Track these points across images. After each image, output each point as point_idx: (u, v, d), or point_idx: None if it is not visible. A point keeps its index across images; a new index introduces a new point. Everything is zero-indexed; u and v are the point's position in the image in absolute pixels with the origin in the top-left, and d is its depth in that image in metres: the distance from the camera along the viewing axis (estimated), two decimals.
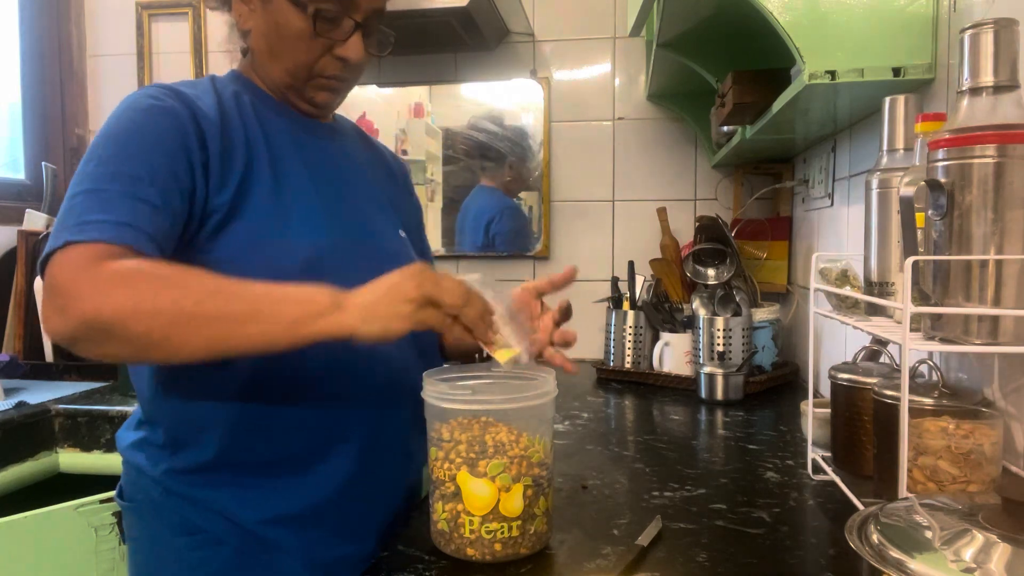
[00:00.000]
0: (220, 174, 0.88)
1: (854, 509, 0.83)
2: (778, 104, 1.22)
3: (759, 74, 1.35)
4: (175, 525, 0.91)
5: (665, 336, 1.86)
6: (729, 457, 1.23)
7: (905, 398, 0.70)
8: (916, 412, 0.76)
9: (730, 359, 1.71)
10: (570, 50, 2.24)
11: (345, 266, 0.89)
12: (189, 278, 0.76)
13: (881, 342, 1.07)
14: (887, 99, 0.92)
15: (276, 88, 0.99)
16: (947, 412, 0.77)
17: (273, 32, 0.94)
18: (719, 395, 1.64)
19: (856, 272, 1.04)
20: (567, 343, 0.93)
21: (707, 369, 1.66)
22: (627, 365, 1.91)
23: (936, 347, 0.74)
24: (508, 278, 2.26)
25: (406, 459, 1.02)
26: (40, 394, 1.71)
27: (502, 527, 0.80)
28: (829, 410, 1.02)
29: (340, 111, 1.11)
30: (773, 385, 1.77)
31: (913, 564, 0.51)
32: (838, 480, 0.96)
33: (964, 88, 0.71)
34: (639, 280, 1.98)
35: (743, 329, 1.73)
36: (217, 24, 1.02)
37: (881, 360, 1.06)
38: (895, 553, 0.53)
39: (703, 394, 1.66)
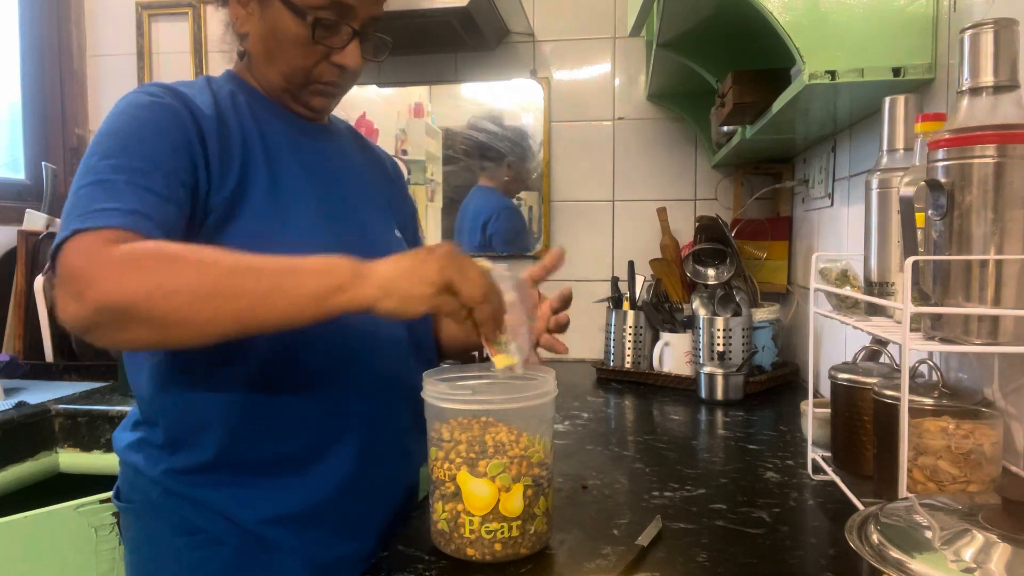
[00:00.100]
0: (219, 172, 0.88)
1: (854, 509, 0.83)
2: (778, 104, 1.22)
3: (759, 74, 1.35)
4: (174, 525, 0.91)
5: (665, 336, 1.86)
6: (729, 457, 1.23)
7: (905, 398, 0.70)
8: (916, 412, 0.76)
9: (730, 359, 1.71)
10: (570, 50, 2.24)
11: None
12: (205, 256, 0.75)
13: (881, 342, 1.07)
14: (887, 99, 0.92)
15: (272, 91, 0.99)
16: (947, 412, 0.77)
17: (271, 37, 0.94)
18: (719, 395, 1.64)
19: (856, 272, 1.04)
20: (561, 327, 0.92)
21: (707, 369, 1.66)
22: (627, 365, 1.91)
23: (936, 347, 0.74)
24: None
25: (405, 458, 1.02)
26: (40, 394, 1.71)
27: (502, 527, 0.80)
28: (829, 410, 1.02)
29: (340, 111, 1.11)
30: (773, 385, 1.77)
31: (913, 564, 0.51)
32: (838, 480, 0.96)
33: (964, 88, 0.71)
34: (639, 280, 1.98)
35: (743, 329, 1.73)
36: (217, 24, 1.02)
37: (881, 360, 1.06)
38: (895, 553, 0.53)
39: (703, 394, 1.66)
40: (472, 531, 0.81)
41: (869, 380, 0.93)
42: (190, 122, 0.87)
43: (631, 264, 1.99)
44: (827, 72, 1.03)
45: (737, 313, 1.75)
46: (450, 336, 1.13)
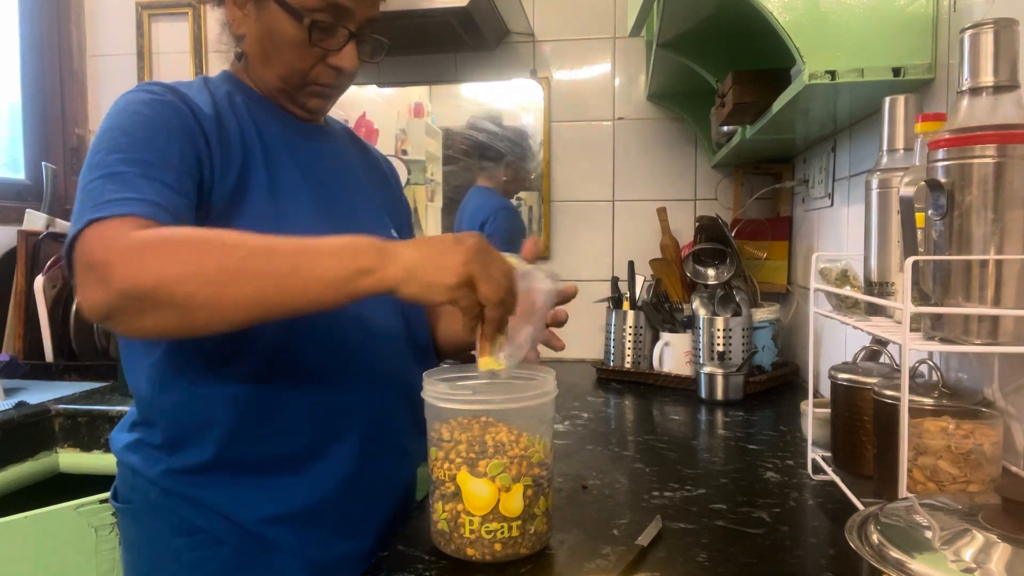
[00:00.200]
0: (221, 171, 0.88)
1: (854, 509, 0.83)
2: (778, 104, 1.22)
3: (759, 74, 1.35)
4: (174, 526, 0.91)
5: (665, 336, 1.86)
6: (729, 457, 1.23)
7: (905, 398, 0.70)
8: (916, 412, 0.76)
9: (730, 359, 1.71)
10: (570, 50, 2.24)
11: None
12: (227, 238, 0.74)
13: (881, 342, 1.07)
14: (887, 99, 0.92)
15: (268, 92, 0.99)
16: (947, 412, 0.77)
17: (267, 39, 0.94)
18: (719, 395, 1.64)
19: (856, 272, 1.04)
20: (558, 323, 0.92)
21: (707, 369, 1.66)
22: (627, 365, 1.91)
23: (936, 347, 0.74)
24: None
25: (404, 457, 1.02)
26: (40, 394, 1.71)
27: (502, 527, 0.80)
28: (829, 410, 1.02)
29: (340, 110, 1.11)
30: (773, 385, 1.77)
31: (913, 564, 0.51)
32: (838, 480, 0.96)
33: (964, 88, 0.71)
34: (639, 280, 1.98)
35: (743, 329, 1.73)
36: (216, 24, 1.02)
37: (881, 360, 1.06)
38: (895, 553, 0.53)
39: (703, 394, 1.66)
40: (472, 531, 0.81)
41: (869, 380, 0.93)
42: (192, 119, 0.87)
43: (631, 264, 1.99)
44: (827, 72, 1.03)
45: (737, 313, 1.75)
46: (447, 336, 1.13)
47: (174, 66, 2.42)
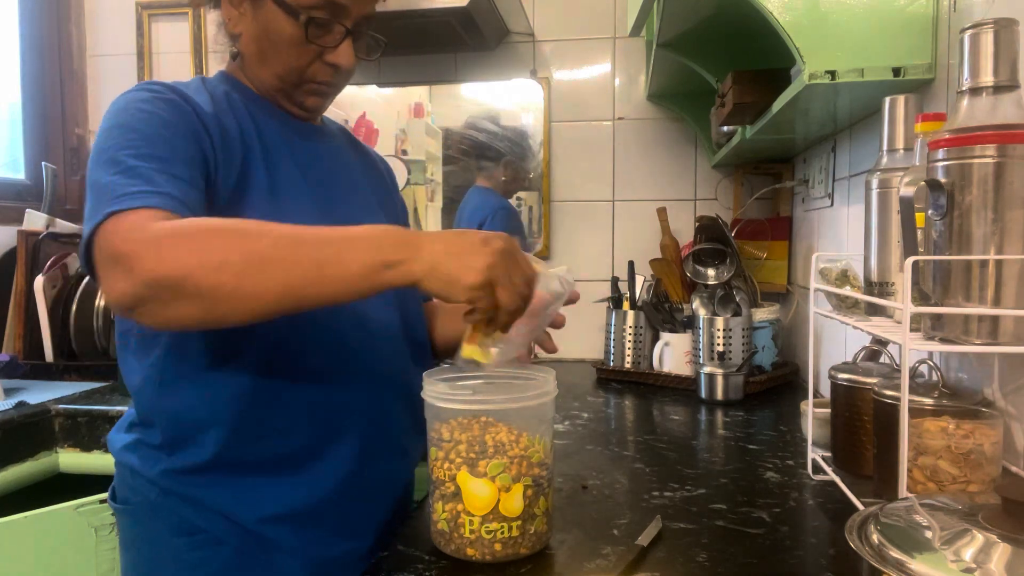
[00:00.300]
0: (224, 169, 0.88)
1: (854, 509, 0.83)
2: (778, 104, 1.22)
3: (759, 74, 1.35)
4: (173, 526, 0.91)
5: (665, 336, 1.86)
6: (729, 457, 1.23)
7: (905, 398, 0.70)
8: (916, 412, 0.76)
9: (730, 359, 1.71)
10: (570, 50, 2.24)
11: None
12: (250, 228, 0.74)
13: (881, 342, 1.07)
14: (887, 99, 0.92)
15: (265, 91, 0.99)
16: (947, 412, 0.77)
17: (264, 37, 0.93)
18: (719, 395, 1.64)
19: (856, 272, 1.04)
20: (556, 326, 0.92)
21: (707, 369, 1.66)
22: (627, 365, 1.91)
23: (936, 347, 0.74)
24: None
25: (403, 457, 1.02)
26: (40, 394, 1.71)
27: (502, 527, 0.80)
28: (829, 410, 1.02)
29: (341, 110, 1.11)
30: (773, 385, 1.77)
31: (913, 564, 0.51)
32: (838, 480, 0.96)
33: (964, 88, 0.71)
34: (639, 280, 1.98)
35: (743, 329, 1.73)
36: (214, 24, 1.02)
37: (881, 360, 1.06)
38: (895, 553, 0.53)
39: (703, 394, 1.66)
40: (472, 531, 0.81)
41: (869, 380, 0.93)
42: (195, 117, 0.87)
43: (631, 264, 1.99)
44: (827, 72, 1.03)
45: (737, 313, 1.75)
46: (443, 335, 1.13)
47: (174, 66, 2.42)
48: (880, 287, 0.89)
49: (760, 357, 1.78)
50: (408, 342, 1.03)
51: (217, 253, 0.71)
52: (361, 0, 0.94)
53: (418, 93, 2.31)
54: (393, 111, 2.31)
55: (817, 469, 1.06)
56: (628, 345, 1.92)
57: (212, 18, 1.01)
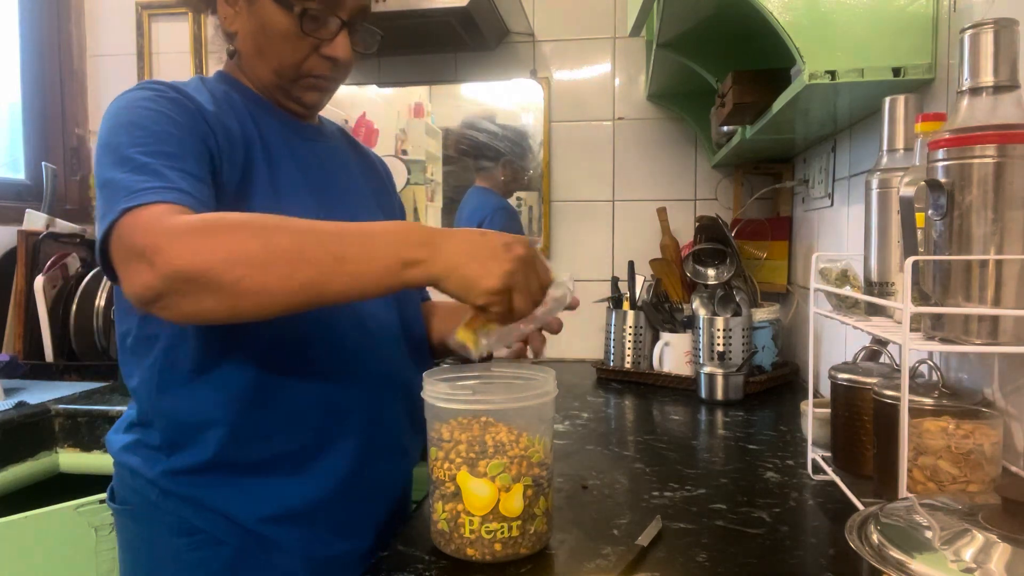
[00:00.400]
0: (228, 166, 0.88)
1: (854, 509, 0.83)
2: (778, 104, 1.22)
3: (759, 74, 1.35)
4: (173, 526, 0.90)
5: (665, 336, 1.86)
6: (729, 457, 1.23)
7: (905, 398, 0.70)
8: (916, 412, 0.76)
9: (730, 359, 1.71)
10: (570, 50, 2.24)
11: None
12: (270, 222, 0.74)
13: (881, 342, 1.07)
14: (887, 99, 0.92)
15: (264, 89, 0.99)
16: (947, 412, 0.77)
17: (260, 33, 0.94)
18: (719, 395, 1.64)
19: (856, 272, 1.04)
20: (552, 330, 0.92)
21: (707, 369, 1.66)
22: (627, 365, 1.91)
23: (936, 347, 0.74)
24: None
25: (402, 456, 1.02)
26: (40, 394, 1.71)
27: (502, 527, 0.80)
28: (829, 410, 1.02)
29: (341, 110, 1.11)
30: (773, 385, 1.77)
31: (913, 564, 0.51)
32: (838, 480, 0.96)
33: (964, 88, 0.71)
34: (639, 280, 1.98)
35: (743, 329, 1.73)
36: (212, 25, 1.02)
37: (881, 360, 1.06)
38: (895, 553, 0.53)
39: (703, 394, 1.66)
40: (472, 531, 0.80)
41: (869, 380, 0.93)
42: (198, 115, 0.87)
43: (631, 264, 1.99)
44: (827, 72, 1.03)
45: (737, 313, 1.75)
46: (441, 335, 1.13)
47: (174, 66, 2.42)
48: (880, 287, 0.89)
49: (760, 357, 1.78)
50: (407, 342, 1.03)
51: (240, 247, 0.71)
52: None
53: (418, 93, 2.31)
54: (393, 111, 2.31)
55: (817, 469, 1.06)
56: (628, 345, 1.92)
57: (212, 21, 1.01)
